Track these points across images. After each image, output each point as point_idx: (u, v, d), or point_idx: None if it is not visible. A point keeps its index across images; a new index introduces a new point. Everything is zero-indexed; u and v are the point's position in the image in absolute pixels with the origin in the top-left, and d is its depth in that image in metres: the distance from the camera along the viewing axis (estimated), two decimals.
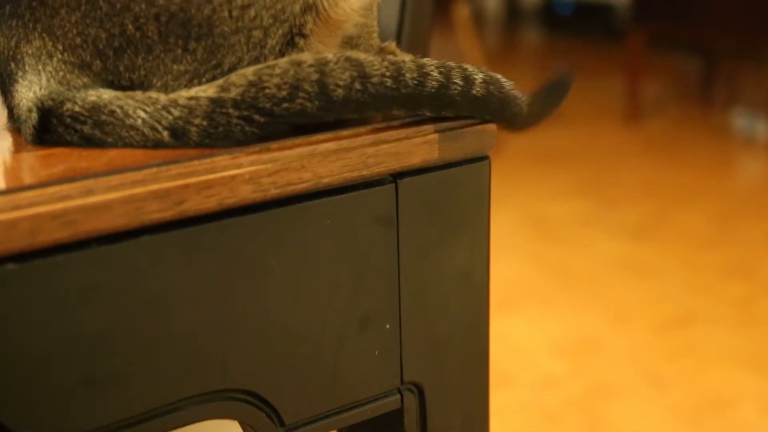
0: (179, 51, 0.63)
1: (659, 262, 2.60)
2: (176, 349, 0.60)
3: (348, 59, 0.62)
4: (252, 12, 0.64)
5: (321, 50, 0.68)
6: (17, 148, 0.63)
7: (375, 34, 0.75)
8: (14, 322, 0.54)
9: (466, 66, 0.67)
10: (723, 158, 3.52)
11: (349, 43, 0.71)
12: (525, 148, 3.61)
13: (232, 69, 0.64)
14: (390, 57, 0.64)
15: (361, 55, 0.62)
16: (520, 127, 0.75)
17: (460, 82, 0.65)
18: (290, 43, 0.66)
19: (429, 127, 0.66)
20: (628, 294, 2.42)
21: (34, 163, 0.60)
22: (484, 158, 0.70)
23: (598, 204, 3.04)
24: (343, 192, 0.64)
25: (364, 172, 0.63)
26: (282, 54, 0.66)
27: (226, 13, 0.63)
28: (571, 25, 5.82)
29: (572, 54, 5.35)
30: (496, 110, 0.68)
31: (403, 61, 0.63)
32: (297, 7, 0.65)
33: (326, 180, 0.62)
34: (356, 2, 0.68)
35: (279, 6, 0.65)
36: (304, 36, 0.67)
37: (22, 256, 0.53)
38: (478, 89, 0.66)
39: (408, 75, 0.63)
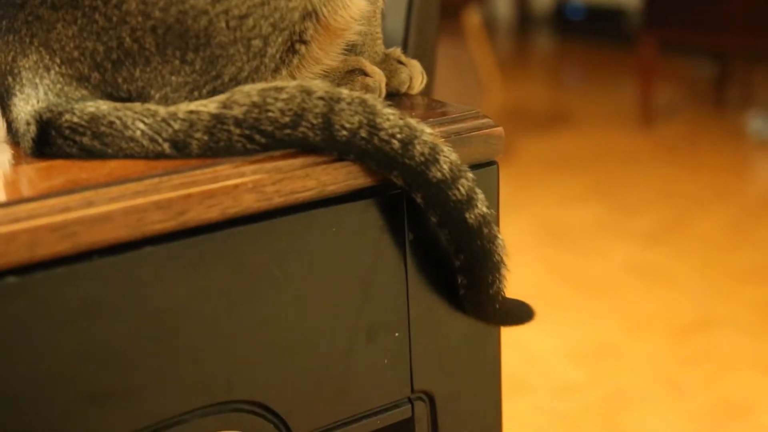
0: (177, 62, 0.63)
1: (676, 267, 2.57)
2: (182, 361, 0.59)
3: (363, 103, 0.60)
4: (250, 21, 0.63)
5: (322, 57, 0.67)
6: (16, 161, 0.63)
7: (379, 41, 0.74)
8: (16, 337, 0.53)
9: None
10: (738, 161, 3.50)
11: (353, 50, 0.70)
12: (538, 153, 3.59)
13: (233, 79, 0.64)
14: (410, 120, 0.61)
15: (378, 104, 0.61)
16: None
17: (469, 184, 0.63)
18: (291, 49, 0.65)
19: (436, 132, 0.65)
20: (645, 299, 2.40)
21: (34, 175, 0.60)
22: (493, 163, 0.69)
23: (613, 209, 3.02)
24: (348, 200, 0.63)
25: (370, 180, 0.63)
26: (282, 61, 0.65)
27: (223, 24, 0.63)
28: (582, 30, 5.79)
29: (584, 59, 5.34)
30: None
31: (422, 131, 0.61)
32: (296, 15, 0.65)
33: (331, 188, 0.61)
34: (357, 11, 0.67)
35: (277, 14, 0.64)
36: (305, 42, 0.66)
37: (22, 270, 0.52)
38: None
39: (418, 148, 0.61)
